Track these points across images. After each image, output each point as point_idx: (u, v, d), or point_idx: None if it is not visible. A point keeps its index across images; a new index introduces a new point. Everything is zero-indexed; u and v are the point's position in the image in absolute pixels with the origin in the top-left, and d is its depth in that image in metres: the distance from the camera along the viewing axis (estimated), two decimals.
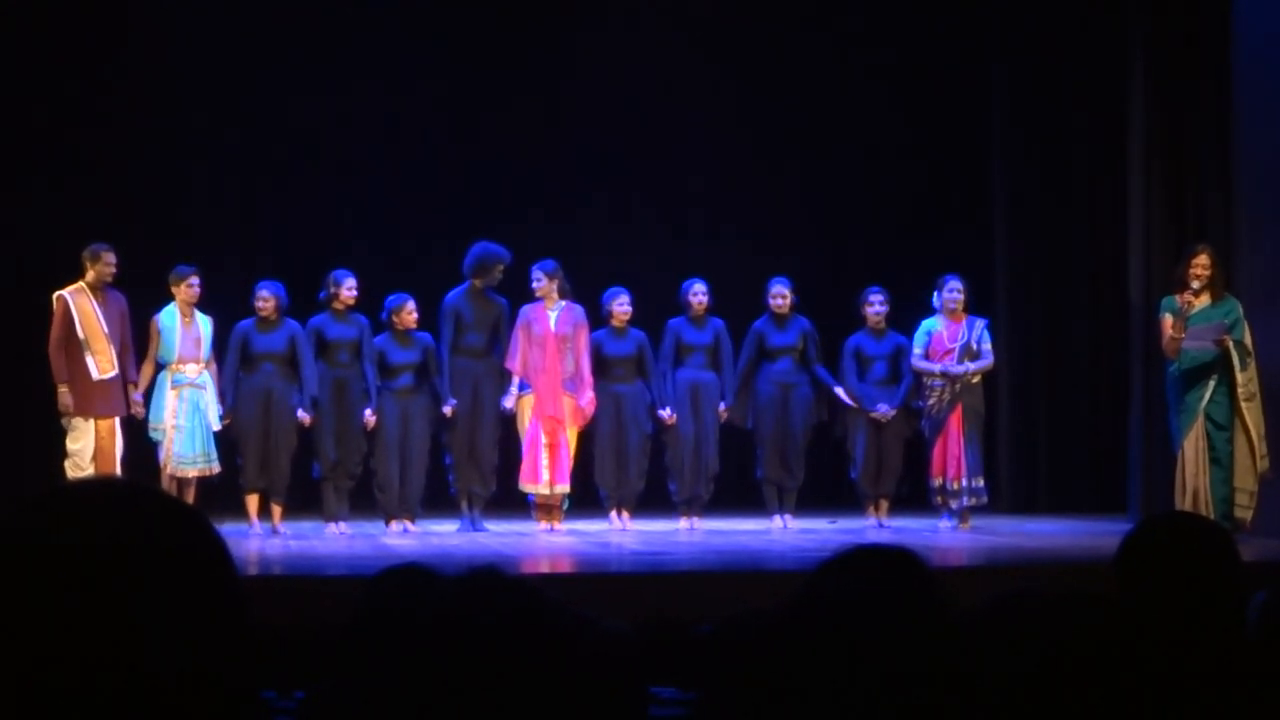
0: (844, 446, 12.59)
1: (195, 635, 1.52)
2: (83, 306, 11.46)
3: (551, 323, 12.13)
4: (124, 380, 11.60)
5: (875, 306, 12.44)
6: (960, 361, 12.15)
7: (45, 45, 13.58)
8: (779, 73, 15.03)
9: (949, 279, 12.29)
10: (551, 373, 12.06)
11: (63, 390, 11.41)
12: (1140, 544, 3.19)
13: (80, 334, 11.43)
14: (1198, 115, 12.61)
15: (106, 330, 11.47)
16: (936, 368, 12.14)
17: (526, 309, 12.18)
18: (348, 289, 11.98)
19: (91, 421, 11.44)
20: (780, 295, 12.45)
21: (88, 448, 11.41)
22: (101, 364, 11.46)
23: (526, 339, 12.09)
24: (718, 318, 12.49)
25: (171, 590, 1.51)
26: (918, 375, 12.29)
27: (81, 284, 11.51)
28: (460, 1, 14.64)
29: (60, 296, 11.50)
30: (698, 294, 12.43)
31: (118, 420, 11.56)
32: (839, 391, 12.38)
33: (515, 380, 12.10)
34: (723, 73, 14.92)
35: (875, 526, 12.37)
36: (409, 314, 12.05)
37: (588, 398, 12.14)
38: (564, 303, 12.20)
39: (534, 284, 12.17)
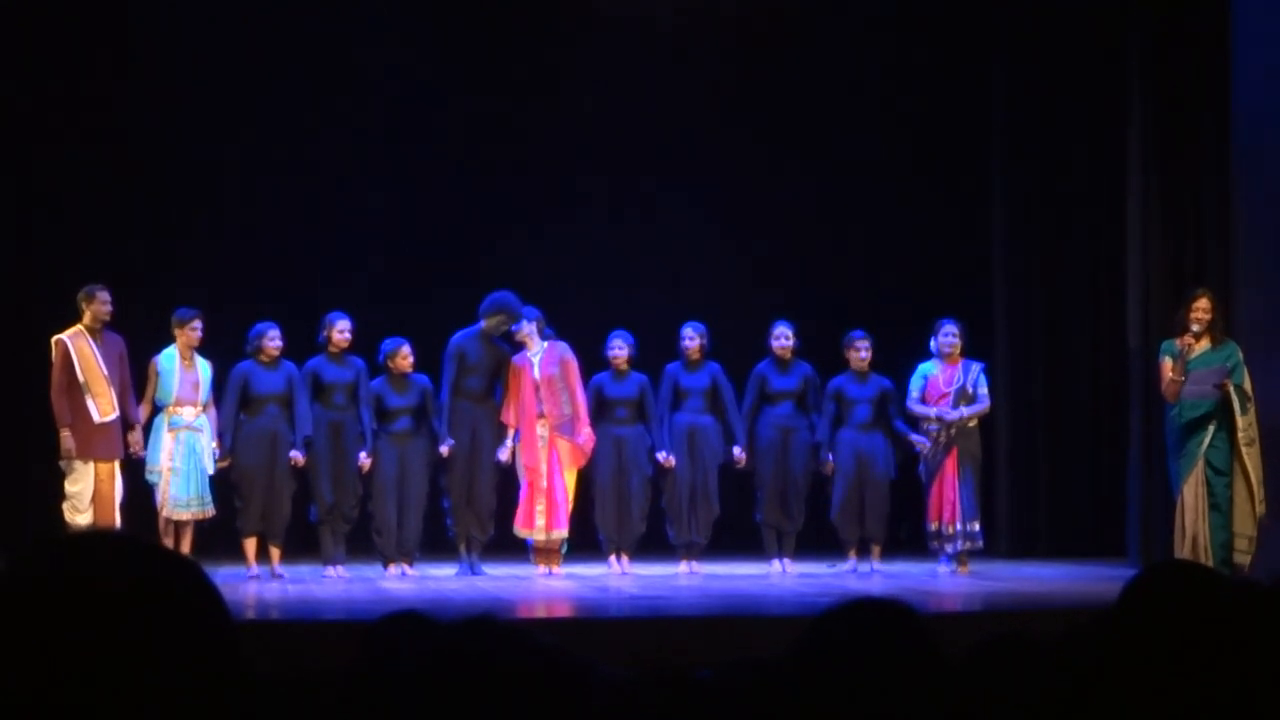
0: (828, 489, 12.59)
1: (191, 683, 1.51)
2: (82, 349, 11.45)
3: (535, 368, 12.15)
4: (124, 422, 11.60)
5: (861, 353, 12.44)
6: (955, 405, 12.15)
7: (44, 88, 13.60)
8: (779, 116, 15.04)
9: (944, 323, 12.31)
10: (530, 421, 12.06)
11: (65, 434, 11.40)
12: (1142, 592, 3.17)
13: (80, 377, 11.42)
14: (1197, 158, 12.64)
15: (106, 372, 11.47)
16: (931, 412, 12.14)
17: (516, 358, 12.20)
18: (339, 331, 11.98)
19: (91, 464, 11.43)
20: (784, 336, 12.46)
21: (87, 490, 11.39)
22: (102, 406, 11.45)
23: (517, 389, 12.12)
24: (714, 361, 12.49)
25: (167, 639, 1.51)
26: (912, 419, 12.29)
27: (80, 327, 11.51)
28: (460, 47, 14.65)
29: (59, 340, 11.49)
30: (689, 338, 12.42)
31: (117, 463, 11.55)
32: (826, 469, 12.40)
33: (511, 433, 12.11)
34: (721, 115, 14.94)
35: (867, 571, 12.34)
36: (404, 358, 12.05)
37: (585, 435, 12.14)
38: (545, 344, 12.22)
39: (513, 328, 12.18)
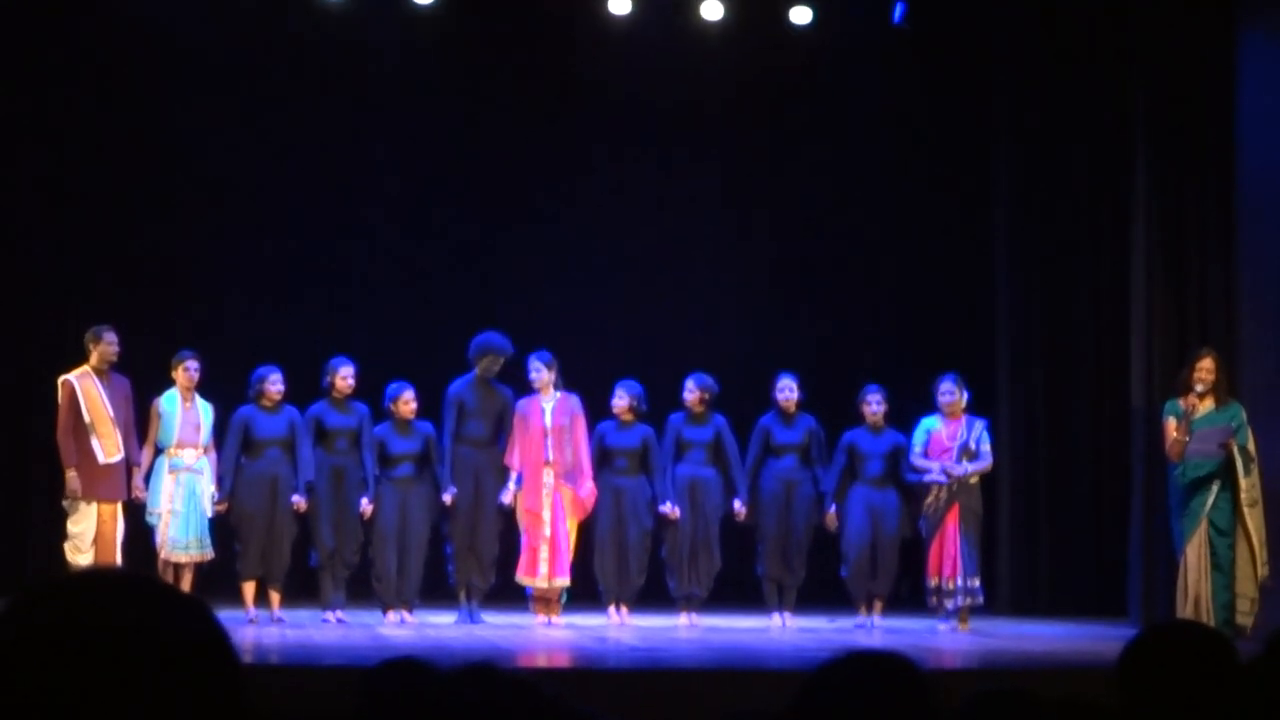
0: (838, 545, 12.55)
1: None
2: (88, 390, 11.47)
3: (547, 415, 12.12)
4: (128, 463, 11.61)
5: (873, 406, 12.44)
6: (958, 461, 12.13)
7: (49, 130, 13.65)
8: (784, 170, 15.10)
9: (943, 379, 12.31)
10: (535, 466, 12.05)
11: (71, 474, 11.41)
12: (1143, 652, 3.18)
13: (86, 417, 11.44)
14: (1201, 218, 12.66)
15: (112, 414, 11.49)
16: (935, 467, 12.13)
17: (522, 403, 12.17)
18: (343, 377, 11.98)
19: (94, 504, 11.43)
20: (788, 389, 12.45)
21: (89, 530, 11.39)
22: (107, 447, 11.47)
23: (523, 433, 12.09)
24: (720, 414, 12.47)
25: (174, 680, 1.50)
26: (916, 473, 12.27)
27: (86, 367, 11.54)
28: (465, 98, 14.71)
29: (66, 381, 11.51)
30: (690, 390, 12.41)
31: (119, 504, 11.55)
32: (828, 520, 12.38)
33: (513, 475, 12.08)
34: (727, 168, 15.00)
35: (868, 626, 12.31)
36: (404, 403, 12.03)
37: (587, 489, 12.12)
38: (559, 394, 12.20)
39: (532, 374, 12.16)
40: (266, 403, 11.88)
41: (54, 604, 1.52)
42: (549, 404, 12.16)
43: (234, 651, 1.58)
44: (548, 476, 12.08)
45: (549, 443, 12.08)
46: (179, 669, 1.52)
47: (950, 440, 12.19)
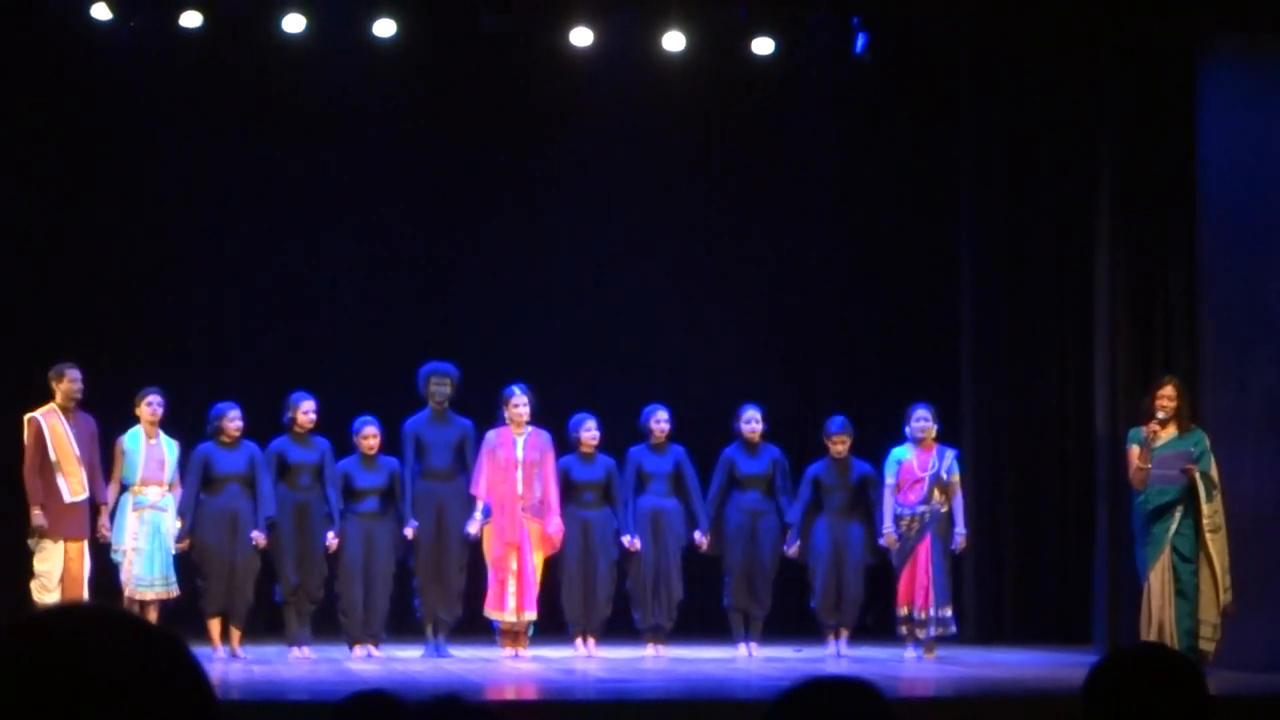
0: (805, 575, 12.58)
1: None
2: (54, 428, 11.41)
3: (519, 449, 12.11)
4: (93, 502, 11.54)
5: (837, 444, 12.44)
6: (930, 492, 12.12)
7: (7, 169, 13.60)
8: (748, 200, 15.15)
9: (916, 408, 12.32)
10: (510, 499, 12.03)
11: (36, 512, 11.33)
12: (1107, 676, 3.19)
13: (52, 456, 11.37)
14: (1164, 248, 12.73)
15: (77, 452, 11.43)
16: (889, 530, 12.14)
17: (492, 434, 12.15)
18: (304, 412, 11.94)
19: (60, 543, 11.35)
20: (753, 421, 12.47)
21: (55, 569, 11.32)
22: (73, 486, 11.40)
23: (492, 464, 12.06)
24: (679, 445, 12.49)
25: (151, 716, 1.51)
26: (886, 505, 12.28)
27: (53, 405, 11.47)
28: (425, 131, 14.70)
29: (32, 419, 11.45)
30: (659, 421, 12.43)
31: (85, 542, 11.48)
32: (791, 552, 12.39)
33: (480, 505, 12.05)
34: (691, 198, 15.04)
35: (835, 656, 12.33)
36: (363, 438, 11.99)
37: (555, 525, 12.11)
38: (531, 428, 12.19)
39: (521, 408, 12.10)
40: (225, 439, 11.83)
41: (30, 639, 1.53)
42: (521, 437, 12.14)
43: (210, 687, 1.58)
44: (519, 509, 12.07)
45: (519, 476, 12.07)
46: (156, 704, 1.52)
47: (922, 470, 12.19)
